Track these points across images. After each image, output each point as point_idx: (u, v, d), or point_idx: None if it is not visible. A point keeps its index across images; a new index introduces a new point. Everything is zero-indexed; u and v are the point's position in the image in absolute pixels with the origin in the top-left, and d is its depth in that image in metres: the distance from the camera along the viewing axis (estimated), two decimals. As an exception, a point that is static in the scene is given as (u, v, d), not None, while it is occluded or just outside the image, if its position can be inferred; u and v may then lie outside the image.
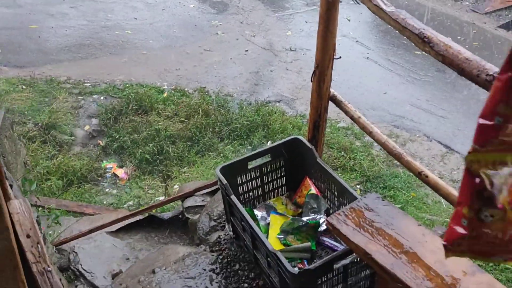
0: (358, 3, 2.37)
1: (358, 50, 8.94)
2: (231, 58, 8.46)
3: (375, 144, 6.08)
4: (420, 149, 6.79)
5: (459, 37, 9.11)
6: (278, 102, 7.56)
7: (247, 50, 8.78)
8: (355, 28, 9.56)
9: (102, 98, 6.67)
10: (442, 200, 5.73)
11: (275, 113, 6.89)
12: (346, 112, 2.76)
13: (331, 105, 2.93)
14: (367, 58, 8.69)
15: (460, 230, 0.92)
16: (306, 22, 9.70)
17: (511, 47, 0.91)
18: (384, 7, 2.08)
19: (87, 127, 6.32)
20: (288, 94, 7.79)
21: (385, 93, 7.84)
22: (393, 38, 9.13)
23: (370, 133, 2.64)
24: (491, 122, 0.84)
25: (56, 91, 6.63)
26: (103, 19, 8.79)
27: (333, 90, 2.83)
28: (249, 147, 6.34)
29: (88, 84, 6.95)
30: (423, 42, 1.91)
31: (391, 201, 5.42)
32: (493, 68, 1.67)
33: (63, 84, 6.87)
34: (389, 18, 2.06)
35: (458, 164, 6.59)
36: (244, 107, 6.99)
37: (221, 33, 9.21)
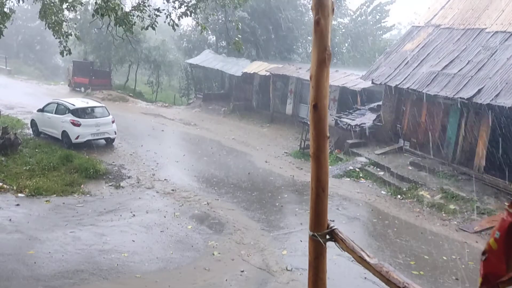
0: (341, 249, 2.47)
1: (355, 269, 8.87)
2: (226, 279, 8.30)
3: None
4: None
5: (453, 256, 9.19)
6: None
7: (242, 271, 8.68)
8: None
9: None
10: None
11: None
12: None
13: None
14: (365, 278, 8.57)
15: None
16: (301, 241, 9.86)
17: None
18: (367, 259, 2.17)
19: None
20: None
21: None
22: (386, 256, 9.19)
23: None
24: None
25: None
26: (100, 243, 8.95)
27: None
28: None
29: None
30: (409, 295, 1.93)
31: None
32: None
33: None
34: (373, 270, 2.13)
35: None
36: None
37: (217, 253, 9.26)
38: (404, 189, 13.41)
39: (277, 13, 27.70)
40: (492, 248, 1.33)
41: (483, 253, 1.38)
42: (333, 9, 2.15)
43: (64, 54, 12.49)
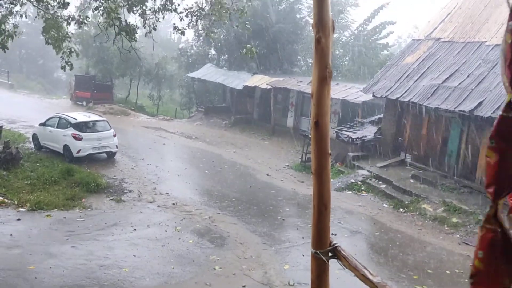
0: (343, 267, 2.47)
1: (358, 284, 8.77)
2: (227, 296, 8.23)
3: None
4: None
5: (457, 270, 9.11)
6: None
7: (244, 286, 8.60)
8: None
9: None
10: None
11: None
12: None
13: None
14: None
15: None
16: (303, 255, 9.77)
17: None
18: (370, 277, 2.15)
19: None
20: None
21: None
22: (389, 270, 9.12)
23: None
24: None
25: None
26: (101, 258, 8.89)
27: None
28: None
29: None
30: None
31: None
32: None
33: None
34: (377, 289, 2.11)
35: None
36: None
37: (219, 268, 9.18)
38: (406, 202, 13.35)
39: (275, 27, 27.84)
40: (480, 269, 1.28)
41: (471, 277, 1.32)
42: (333, 28, 2.17)
43: (66, 68, 12.56)
